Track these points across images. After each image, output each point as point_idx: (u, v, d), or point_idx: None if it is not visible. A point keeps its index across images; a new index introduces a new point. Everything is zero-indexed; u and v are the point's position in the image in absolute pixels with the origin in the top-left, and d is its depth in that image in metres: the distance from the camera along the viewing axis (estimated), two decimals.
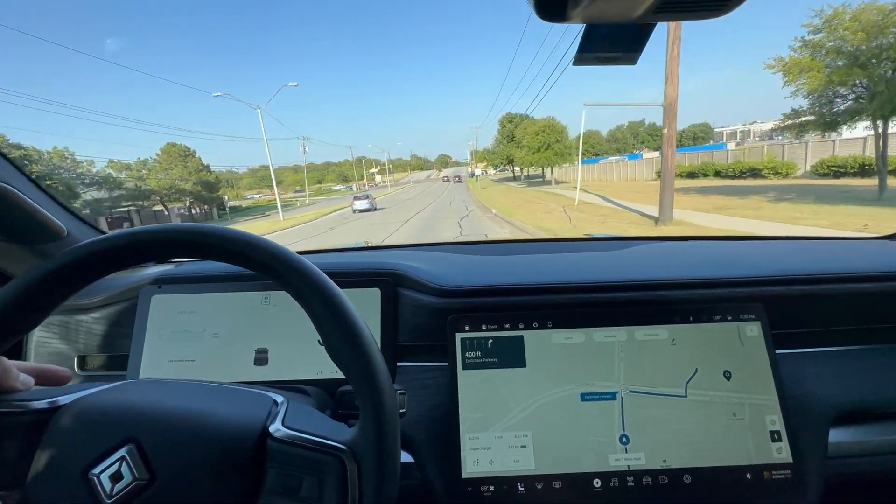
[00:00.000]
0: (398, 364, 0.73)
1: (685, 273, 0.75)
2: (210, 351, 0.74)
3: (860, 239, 1.08)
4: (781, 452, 0.63)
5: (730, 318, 0.68)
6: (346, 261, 0.83)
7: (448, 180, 69.73)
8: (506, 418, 0.64)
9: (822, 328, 0.75)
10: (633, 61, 0.43)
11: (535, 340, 0.68)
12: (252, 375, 0.73)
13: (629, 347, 0.67)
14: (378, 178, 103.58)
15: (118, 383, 0.46)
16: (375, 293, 0.76)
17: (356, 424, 0.42)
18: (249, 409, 0.43)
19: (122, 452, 0.38)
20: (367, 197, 25.26)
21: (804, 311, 0.74)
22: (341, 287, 0.75)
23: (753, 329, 0.68)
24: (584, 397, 0.65)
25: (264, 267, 0.42)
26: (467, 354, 0.67)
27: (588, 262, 0.87)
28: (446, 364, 0.68)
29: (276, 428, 0.42)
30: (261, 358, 0.74)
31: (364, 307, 0.75)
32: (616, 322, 0.68)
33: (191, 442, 0.40)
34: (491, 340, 0.68)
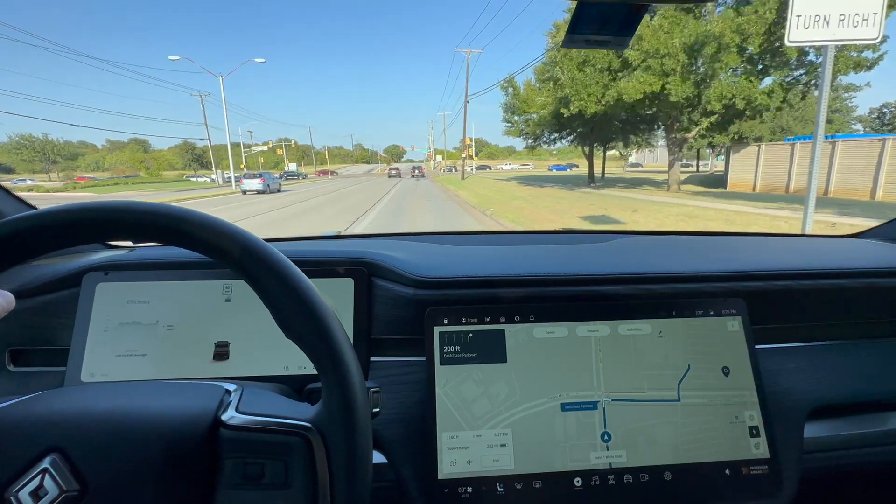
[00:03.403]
0: (372, 359, 0.69)
1: (667, 267, 0.74)
2: (163, 344, 0.68)
3: (829, 237, 1.11)
4: (759, 448, 0.63)
5: (712, 312, 0.68)
6: (318, 249, 0.78)
7: (396, 175, 42.51)
8: (485, 416, 0.62)
9: (798, 324, 0.75)
10: (623, 45, 0.43)
11: (517, 334, 0.65)
12: (211, 371, 0.67)
13: (611, 344, 0.65)
14: (292, 166, 71.36)
15: (35, 394, 0.41)
16: (349, 284, 0.71)
17: (320, 401, 0.40)
18: (196, 402, 0.40)
19: (43, 464, 0.35)
20: (259, 176, 22.40)
21: (782, 306, 0.74)
22: (311, 277, 0.70)
23: (734, 324, 0.68)
24: (565, 407, 0.63)
25: (200, 243, 0.38)
26: (446, 349, 0.64)
27: (569, 255, 0.85)
28: (423, 359, 0.65)
29: (230, 416, 0.39)
30: (221, 352, 0.68)
31: (336, 299, 0.71)
32: (599, 316, 0.66)
33: (126, 444, 0.36)
34: (471, 334, 0.65)
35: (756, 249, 0.92)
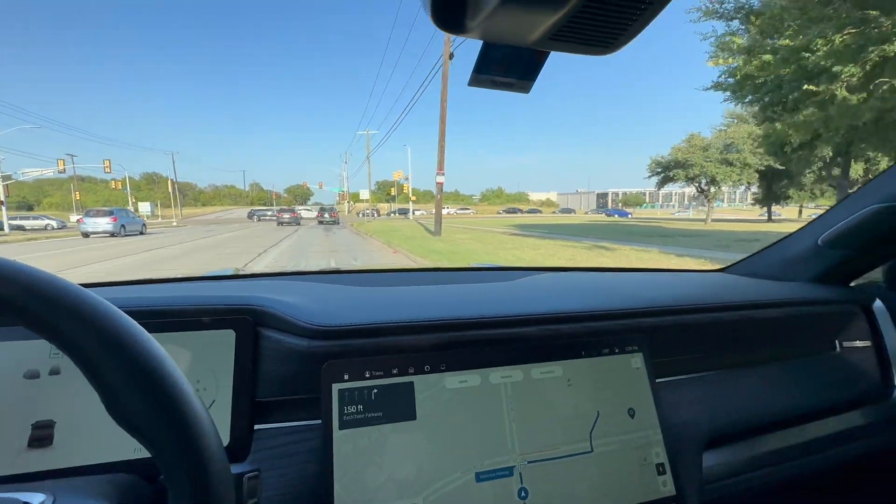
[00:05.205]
0: (256, 427, 0.58)
1: (574, 305, 0.74)
2: None
3: (701, 272, 1.23)
4: (666, 485, 0.63)
5: (616, 350, 0.69)
6: (193, 294, 0.65)
7: (289, 221, 30.17)
8: (392, 488, 0.54)
9: (689, 356, 0.80)
10: (526, 89, 0.44)
11: (427, 386, 0.59)
12: (22, 464, 0.50)
13: (524, 393, 0.62)
14: (144, 207, 40.93)
15: None
16: (229, 336, 0.60)
17: None
18: None
19: None
20: (110, 213, 17.89)
21: (675, 340, 0.78)
22: (184, 330, 0.59)
23: (637, 360, 0.69)
24: (480, 478, 0.57)
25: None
26: (346, 409, 0.55)
27: (478, 295, 0.82)
28: (319, 422, 0.55)
29: None
30: (41, 436, 0.52)
31: (214, 355, 0.59)
32: (511, 360, 0.63)
33: None
34: (376, 390, 0.57)
35: (649, 285, 0.98)
